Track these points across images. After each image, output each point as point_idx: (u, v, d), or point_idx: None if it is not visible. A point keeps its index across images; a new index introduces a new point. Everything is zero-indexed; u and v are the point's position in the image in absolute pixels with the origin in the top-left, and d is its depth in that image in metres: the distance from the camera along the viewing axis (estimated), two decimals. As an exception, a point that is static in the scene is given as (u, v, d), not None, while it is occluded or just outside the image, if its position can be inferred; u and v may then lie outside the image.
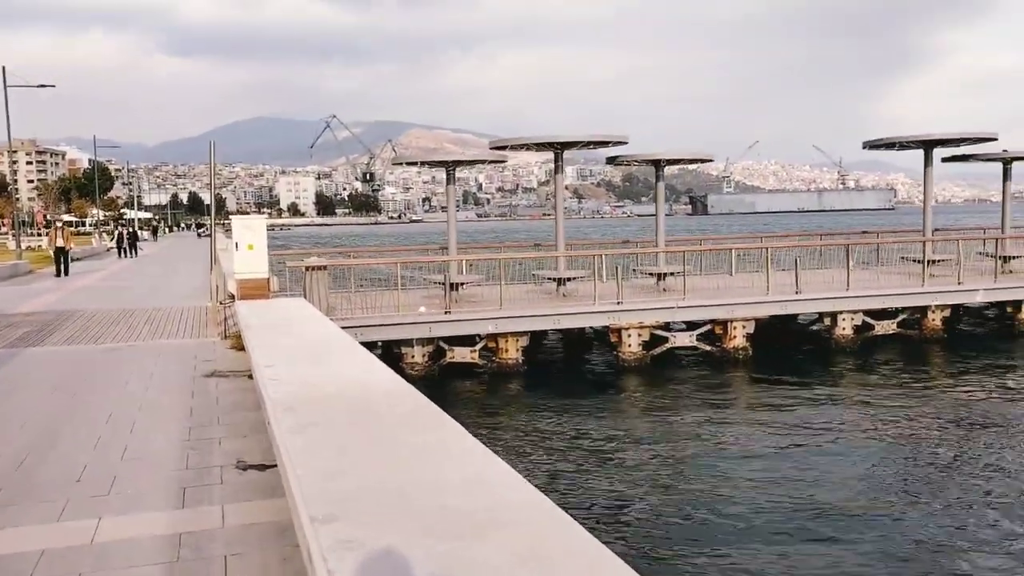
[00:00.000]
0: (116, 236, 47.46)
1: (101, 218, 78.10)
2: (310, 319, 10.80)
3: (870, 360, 17.23)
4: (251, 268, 13.30)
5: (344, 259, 19.71)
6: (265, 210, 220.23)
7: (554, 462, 11.36)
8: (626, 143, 18.01)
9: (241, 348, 11.26)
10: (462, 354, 16.10)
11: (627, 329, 16.18)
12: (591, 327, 16.96)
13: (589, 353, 18.44)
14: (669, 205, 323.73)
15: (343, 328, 13.63)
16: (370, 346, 15.20)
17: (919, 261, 20.18)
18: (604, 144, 18.20)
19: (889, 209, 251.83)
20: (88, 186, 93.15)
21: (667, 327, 16.80)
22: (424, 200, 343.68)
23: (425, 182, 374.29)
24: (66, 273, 25.49)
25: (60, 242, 26.07)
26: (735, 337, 16.74)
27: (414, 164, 18.73)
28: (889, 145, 20.75)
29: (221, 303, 15.10)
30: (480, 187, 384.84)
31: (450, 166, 18.23)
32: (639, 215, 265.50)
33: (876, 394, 14.57)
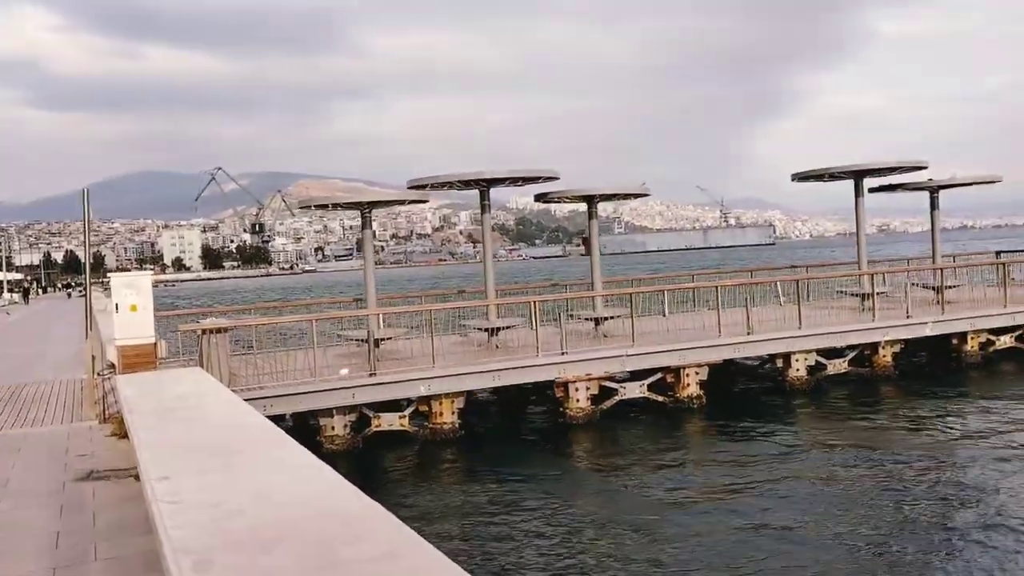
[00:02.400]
0: None
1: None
2: (213, 398, 8.70)
3: (827, 402, 16.20)
4: (135, 332, 11.17)
5: (248, 318, 17.42)
6: (148, 266, 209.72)
7: (504, 542, 9.57)
8: (557, 179, 16.64)
9: (126, 435, 9.07)
10: (390, 421, 14.10)
11: (574, 382, 14.58)
12: (530, 382, 15.20)
13: (529, 411, 16.73)
14: (562, 246, 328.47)
15: (248, 400, 11.50)
16: (278, 419, 13.09)
17: (857, 295, 19.57)
18: (533, 180, 16.76)
19: (770, 244, 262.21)
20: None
21: (613, 378, 15.30)
22: (317, 250, 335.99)
23: (317, 231, 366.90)
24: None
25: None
26: (688, 385, 15.37)
27: (324, 207, 16.76)
28: (819, 176, 20.19)
29: (99, 375, 12.71)
30: (374, 235, 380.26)
31: (365, 207, 16.35)
32: (535, 257, 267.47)
33: (837, 440, 13.47)
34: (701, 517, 10.20)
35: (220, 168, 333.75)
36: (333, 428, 13.52)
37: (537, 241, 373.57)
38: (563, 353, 14.70)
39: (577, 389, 14.62)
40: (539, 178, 16.54)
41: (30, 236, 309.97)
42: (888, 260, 25.33)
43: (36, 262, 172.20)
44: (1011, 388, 16.94)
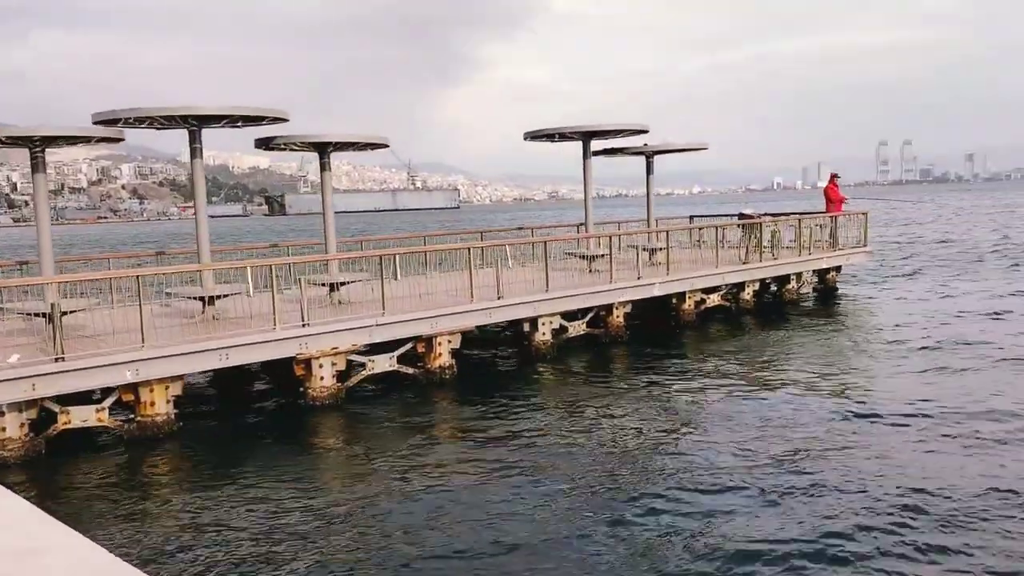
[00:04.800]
0: None
1: None
2: None
3: (569, 366, 15.93)
4: None
5: None
6: None
7: (232, 561, 7.71)
8: (287, 120, 14.29)
9: None
10: (82, 416, 11.13)
11: (318, 358, 12.65)
12: (264, 360, 12.94)
13: (257, 393, 14.43)
14: (243, 205, 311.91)
15: None
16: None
17: (584, 257, 19.75)
18: (258, 121, 14.20)
19: (455, 208, 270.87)
20: None
21: (358, 351, 13.61)
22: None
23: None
24: None
25: None
26: (440, 355, 14.14)
27: (-25, 142, 12.81)
28: (550, 136, 19.92)
29: None
30: (15, 187, 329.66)
31: (36, 145, 12.75)
32: (212, 216, 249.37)
33: (582, 408, 12.98)
34: (454, 506, 9.02)
35: None
36: (4, 430, 10.32)
37: (214, 199, 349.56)
38: (304, 325, 12.68)
39: (321, 366, 12.71)
40: (264, 118, 14.12)
41: None
42: (601, 223, 26.08)
43: None
44: (720, 343, 18.05)
